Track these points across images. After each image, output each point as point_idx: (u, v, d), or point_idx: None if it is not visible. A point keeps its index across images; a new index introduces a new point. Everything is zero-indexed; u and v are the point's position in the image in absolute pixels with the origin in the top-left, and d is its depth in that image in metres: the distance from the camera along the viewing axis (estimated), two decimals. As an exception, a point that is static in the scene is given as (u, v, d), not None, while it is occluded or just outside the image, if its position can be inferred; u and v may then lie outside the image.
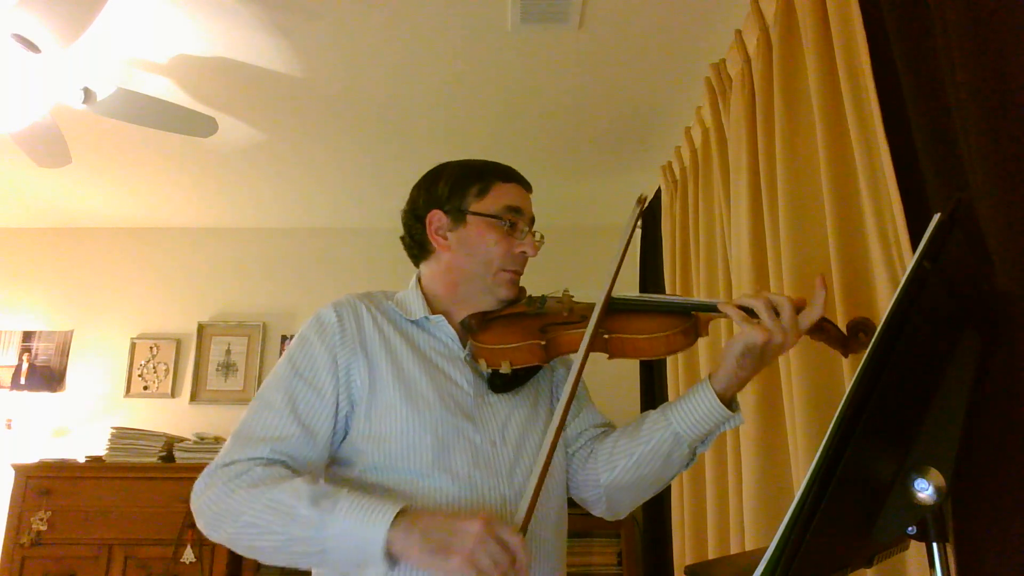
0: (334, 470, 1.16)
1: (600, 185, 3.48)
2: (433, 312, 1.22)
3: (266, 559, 1.03)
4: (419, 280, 1.28)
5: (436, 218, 1.23)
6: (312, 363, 1.14)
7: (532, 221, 1.26)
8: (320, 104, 2.75)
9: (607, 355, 1.16)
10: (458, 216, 1.22)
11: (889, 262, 1.33)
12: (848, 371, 1.43)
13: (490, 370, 1.18)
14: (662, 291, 3.05)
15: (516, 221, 1.23)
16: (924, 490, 0.71)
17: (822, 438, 0.69)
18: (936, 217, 0.84)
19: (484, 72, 2.53)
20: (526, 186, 1.28)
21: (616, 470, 1.19)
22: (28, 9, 1.84)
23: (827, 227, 1.54)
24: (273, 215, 3.92)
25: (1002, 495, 0.93)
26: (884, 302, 1.34)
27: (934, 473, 0.71)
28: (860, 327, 1.08)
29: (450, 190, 1.23)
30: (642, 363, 3.33)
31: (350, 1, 2.16)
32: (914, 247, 1.21)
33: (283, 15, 2.22)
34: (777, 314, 1.05)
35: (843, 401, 0.71)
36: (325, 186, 3.54)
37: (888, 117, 1.34)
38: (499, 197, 1.22)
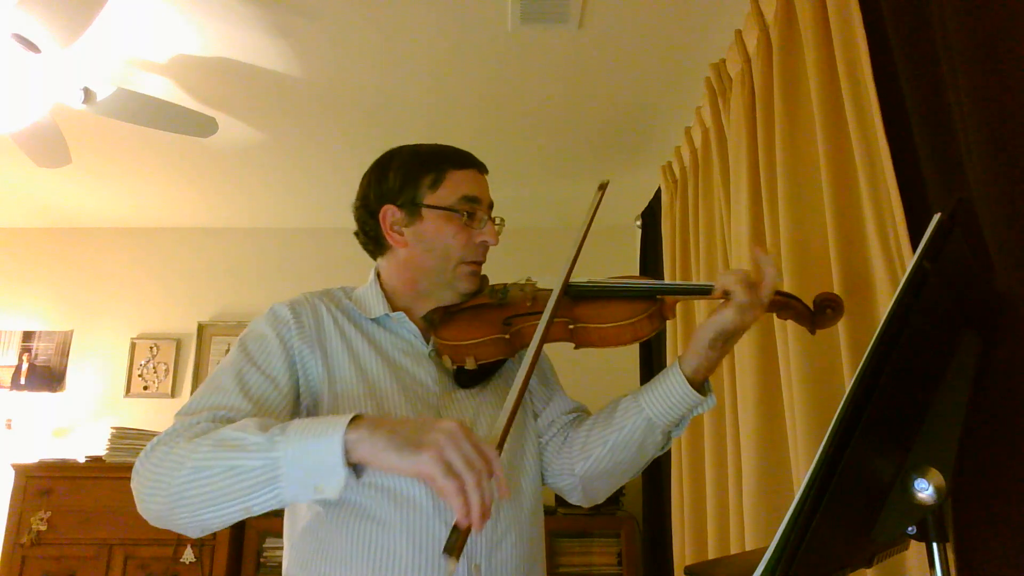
0: None
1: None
2: (394, 308, 1.18)
3: (213, 511, 0.89)
4: (378, 275, 1.23)
5: (390, 213, 1.18)
6: (266, 352, 1.07)
7: (491, 206, 1.21)
8: (320, 104, 2.75)
9: (573, 345, 1.13)
10: (413, 210, 1.16)
11: (889, 262, 1.32)
12: (848, 371, 1.43)
13: (455, 366, 1.15)
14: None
15: (474, 210, 1.17)
16: (924, 490, 0.71)
17: (822, 438, 0.69)
18: (936, 217, 0.84)
19: (484, 73, 2.53)
20: (482, 169, 1.22)
21: (591, 459, 1.17)
22: (28, 9, 1.84)
23: (827, 227, 1.54)
24: (273, 215, 3.92)
25: (1002, 495, 0.93)
26: (884, 302, 1.34)
27: (934, 473, 0.71)
28: (828, 303, 1.09)
29: (402, 182, 1.17)
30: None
31: (350, 2, 2.15)
32: (914, 247, 1.21)
33: (282, 15, 2.22)
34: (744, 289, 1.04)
35: (843, 401, 0.71)
36: (325, 186, 3.54)
37: (888, 117, 1.34)
38: (454, 187, 1.16)
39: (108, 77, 2.49)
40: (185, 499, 0.89)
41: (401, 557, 1.02)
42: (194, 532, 0.94)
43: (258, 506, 0.89)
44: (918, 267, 0.78)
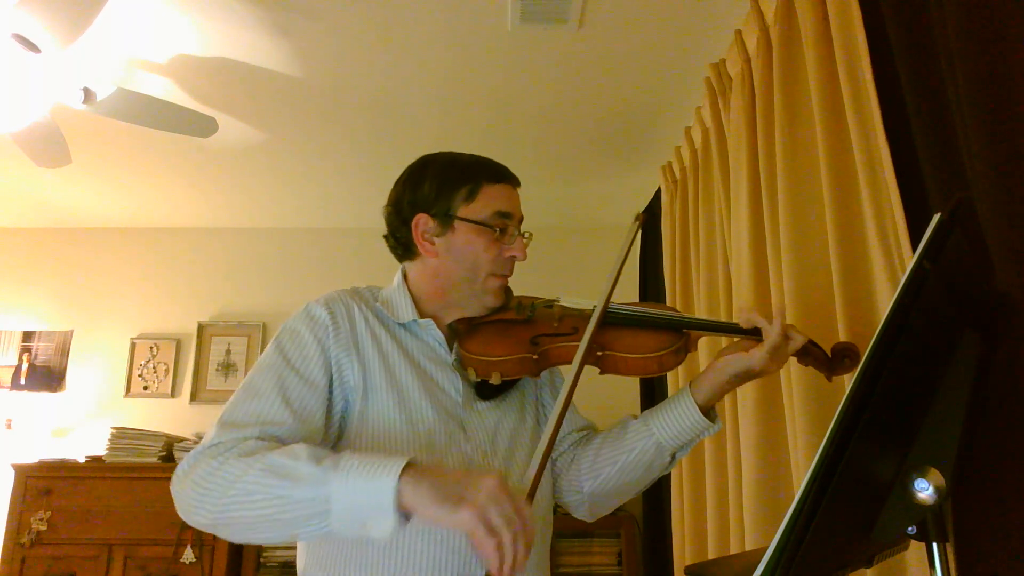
0: None
1: (600, 185, 3.48)
2: (421, 314, 1.19)
3: (259, 533, 0.93)
4: (404, 278, 1.24)
5: (422, 222, 1.18)
6: (303, 355, 1.09)
7: (521, 221, 1.22)
8: (320, 104, 2.75)
9: (598, 370, 1.16)
10: (446, 221, 1.17)
11: (889, 262, 1.33)
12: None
13: (479, 379, 1.16)
14: (662, 292, 3.04)
15: (506, 226, 1.18)
16: (924, 490, 0.71)
17: (822, 438, 0.69)
18: (936, 217, 0.84)
19: (484, 73, 2.53)
20: (515, 183, 1.22)
21: (600, 478, 1.20)
22: (28, 9, 1.84)
23: (827, 227, 1.53)
24: (273, 215, 3.91)
25: (1002, 495, 0.93)
26: (884, 302, 1.34)
27: (934, 473, 0.71)
28: (846, 353, 1.13)
29: (437, 192, 1.18)
30: None
31: (350, 1, 2.15)
32: (914, 247, 1.21)
33: (283, 15, 2.22)
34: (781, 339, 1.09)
35: (843, 401, 0.71)
36: (325, 186, 3.54)
37: (888, 117, 1.34)
38: (488, 201, 1.17)
39: (108, 77, 2.48)
40: (231, 519, 0.92)
41: (422, 554, 1.04)
42: (238, 541, 0.98)
43: (305, 534, 0.92)
44: (918, 267, 0.78)
